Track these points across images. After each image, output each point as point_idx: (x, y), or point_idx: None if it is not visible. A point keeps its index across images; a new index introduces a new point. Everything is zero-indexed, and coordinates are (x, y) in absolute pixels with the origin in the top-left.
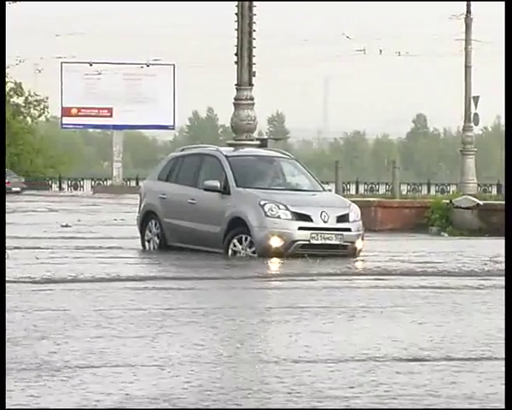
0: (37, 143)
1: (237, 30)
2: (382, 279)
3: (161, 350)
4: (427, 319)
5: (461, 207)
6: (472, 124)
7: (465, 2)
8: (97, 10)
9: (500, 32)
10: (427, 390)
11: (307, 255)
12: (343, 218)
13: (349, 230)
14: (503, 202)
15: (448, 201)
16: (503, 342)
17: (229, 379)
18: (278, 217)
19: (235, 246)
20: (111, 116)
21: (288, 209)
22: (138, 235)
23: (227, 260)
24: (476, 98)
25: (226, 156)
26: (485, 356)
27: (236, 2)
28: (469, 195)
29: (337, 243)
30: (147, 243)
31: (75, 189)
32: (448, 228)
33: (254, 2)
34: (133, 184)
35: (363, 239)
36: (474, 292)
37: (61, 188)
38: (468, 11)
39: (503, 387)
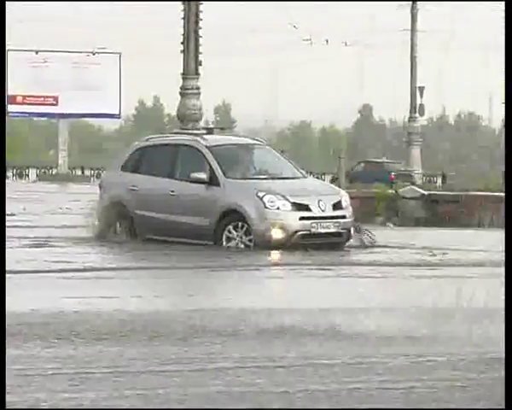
0: None
1: (184, 19)
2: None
3: None
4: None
5: (406, 198)
6: (417, 114)
7: None
8: None
9: (445, 22)
10: None
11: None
12: (337, 205)
13: (344, 217)
14: (449, 193)
15: (393, 191)
16: None
17: None
18: (278, 208)
19: (230, 233)
20: (57, 104)
21: (286, 200)
22: (84, 224)
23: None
24: (422, 89)
25: (207, 147)
26: None
27: None
28: (415, 185)
29: (335, 230)
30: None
31: (20, 177)
32: (393, 218)
33: None
34: (79, 172)
35: (353, 225)
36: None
37: (5, 181)
38: (414, 1)
39: None
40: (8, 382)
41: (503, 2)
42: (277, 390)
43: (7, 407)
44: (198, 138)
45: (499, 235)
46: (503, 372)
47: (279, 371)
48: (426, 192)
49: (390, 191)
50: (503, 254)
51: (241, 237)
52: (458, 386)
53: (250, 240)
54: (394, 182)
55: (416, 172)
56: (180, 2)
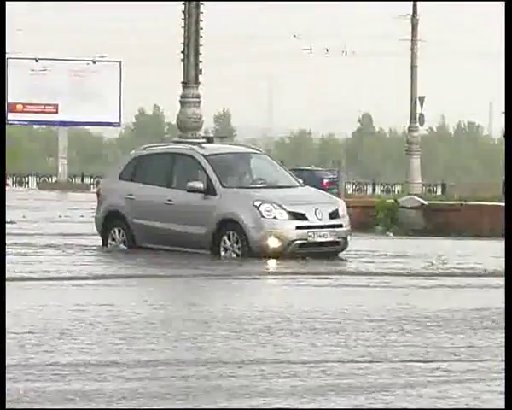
0: None
1: (184, 28)
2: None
3: None
4: None
5: (406, 207)
6: (417, 124)
7: (411, 3)
8: (43, 5)
9: (446, 32)
10: None
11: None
12: (334, 214)
13: (341, 226)
14: (448, 202)
15: (393, 200)
16: None
17: None
18: (275, 217)
19: (226, 242)
20: (56, 113)
21: (283, 209)
22: (83, 232)
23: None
24: (422, 98)
25: (204, 155)
26: None
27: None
28: (414, 195)
29: (331, 239)
30: (110, 244)
31: (20, 185)
32: (393, 228)
33: (201, 1)
34: (78, 180)
35: (350, 234)
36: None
37: (5, 184)
38: (415, 11)
39: None
40: None
41: (503, 8)
42: None
43: (7, 408)
44: (195, 147)
45: (499, 245)
46: None
47: None
48: (425, 202)
49: (389, 201)
50: (503, 263)
51: (237, 246)
52: None
53: (247, 249)
54: (329, 189)
55: (415, 182)
56: (180, 10)
